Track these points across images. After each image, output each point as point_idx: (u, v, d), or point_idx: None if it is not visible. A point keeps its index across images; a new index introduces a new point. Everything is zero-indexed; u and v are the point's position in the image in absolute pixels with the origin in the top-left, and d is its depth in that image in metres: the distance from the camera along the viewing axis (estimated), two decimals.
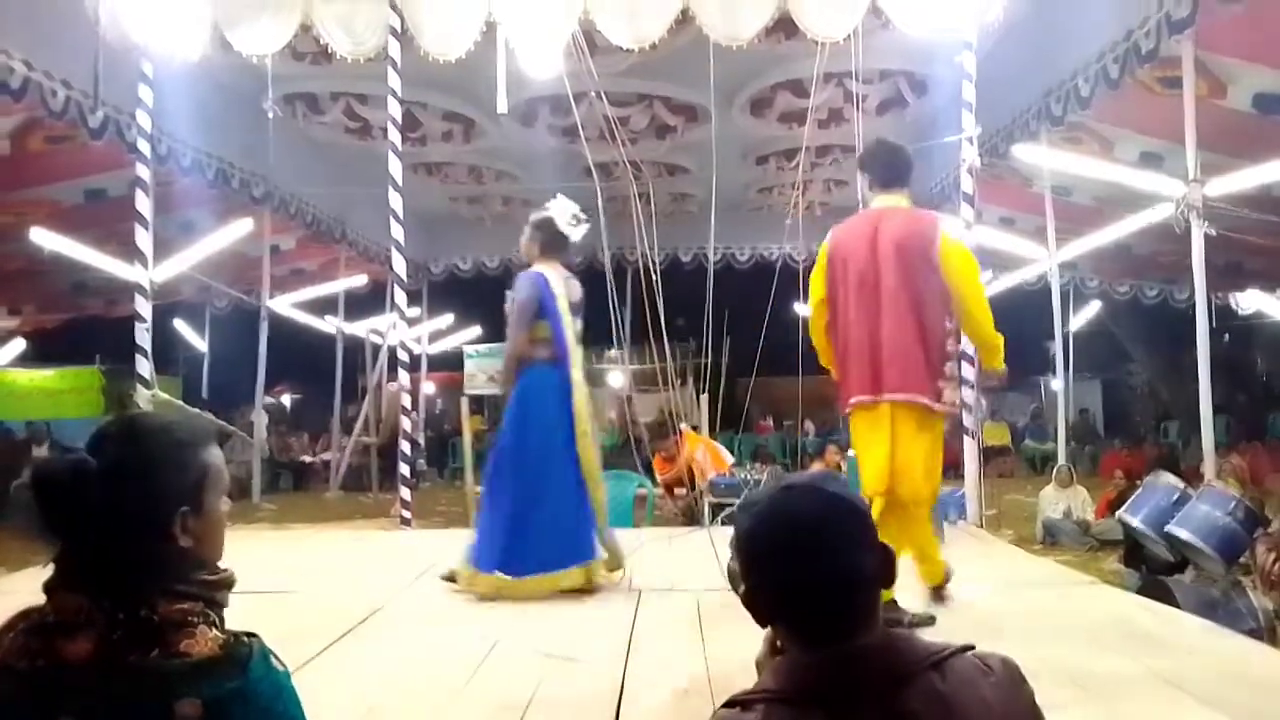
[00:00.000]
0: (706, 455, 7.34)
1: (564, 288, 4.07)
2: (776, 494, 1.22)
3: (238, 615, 1.21)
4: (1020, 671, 1.21)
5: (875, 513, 3.43)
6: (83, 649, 1.08)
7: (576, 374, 4.00)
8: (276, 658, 1.18)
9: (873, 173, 3.62)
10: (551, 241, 4.15)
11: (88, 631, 1.09)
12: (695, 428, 7.95)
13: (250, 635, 1.16)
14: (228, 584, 1.23)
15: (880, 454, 3.41)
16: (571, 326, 4.03)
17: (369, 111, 9.20)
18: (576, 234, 4.18)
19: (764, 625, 1.24)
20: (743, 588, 1.21)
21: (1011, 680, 1.18)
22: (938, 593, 3.54)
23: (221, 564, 1.25)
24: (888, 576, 1.19)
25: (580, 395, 3.99)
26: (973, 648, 1.19)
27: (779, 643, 1.24)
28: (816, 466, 8.42)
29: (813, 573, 1.15)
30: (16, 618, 1.15)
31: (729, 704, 1.17)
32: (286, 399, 16.66)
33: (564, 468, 3.95)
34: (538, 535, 3.85)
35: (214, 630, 1.13)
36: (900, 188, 3.59)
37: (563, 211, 4.16)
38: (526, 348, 3.97)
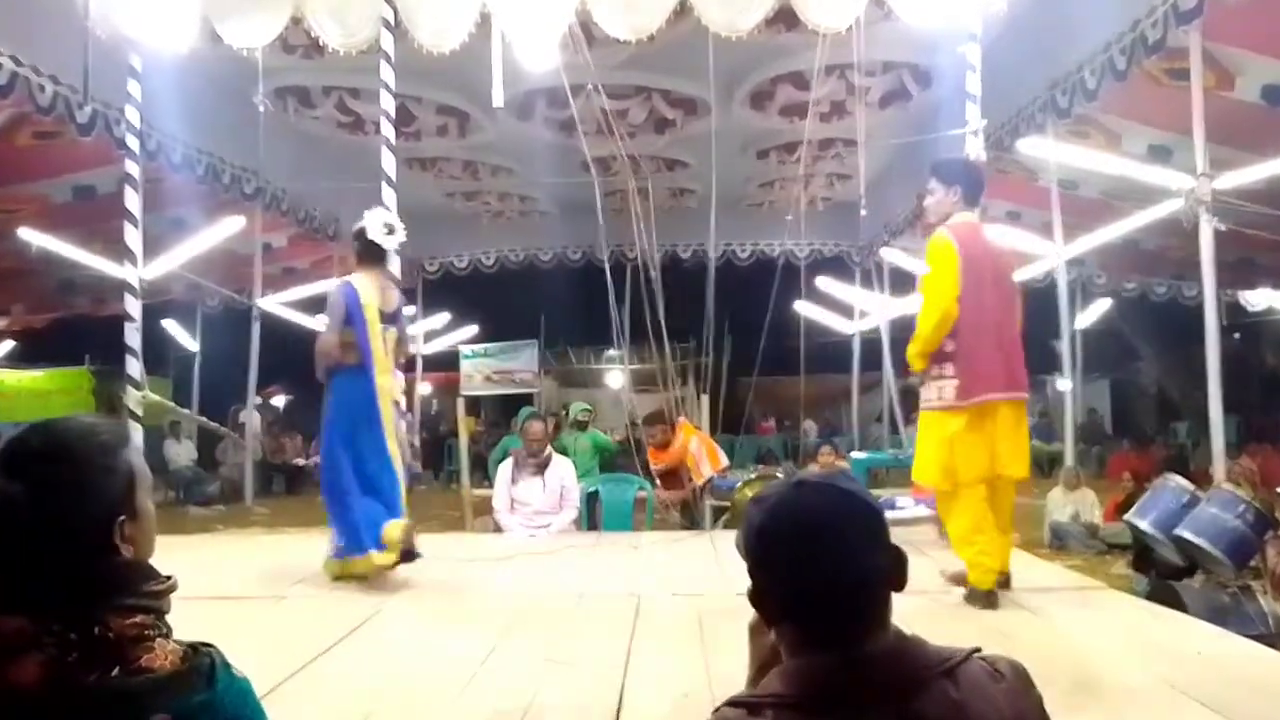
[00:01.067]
0: (701, 448, 7.21)
1: (377, 297, 4.23)
2: (788, 490, 1.19)
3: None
4: (1029, 675, 1.20)
5: (975, 500, 3.63)
6: (31, 672, 1.03)
7: (382, 379, 4.23)
8: (234, 666, 1.17)
9: (966, 188, 3.84)
10: (365, 251, 4.31)
11: (33, 654, 1.04)
12: (697, 427, 7.82)
13: (206, 645, 1.14)
14: (171, 591, 1.18)
15: (1012, 445, 3.67)
16: (379, 334, 4.22)
17: (362, 105, 9.15)
18: (390, 243, 4.34)
19: (771, 625, 1.20)
20: (750, 586, 1.17)
21: (1021, 685, 1.18)
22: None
23: (157, 566, 1.20)
24: (899, 578, 1.16)
25: (385, 400, 4.24)
26: (980, 651, 1.17)
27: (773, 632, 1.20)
28: (812, 469, 8.29)
29: (824, 572, 1.12)
30: None
31: (734, 703, 1.14)
32: (279, 400, 16.50)
33: (375, 463, 4.21)
34: (368, 518, 4.14)
35: (171, 642, 1.11)
36: (978, 206, 3.89)
37: (374, 222, 4.30)
38: (337, 351, 4.17)
